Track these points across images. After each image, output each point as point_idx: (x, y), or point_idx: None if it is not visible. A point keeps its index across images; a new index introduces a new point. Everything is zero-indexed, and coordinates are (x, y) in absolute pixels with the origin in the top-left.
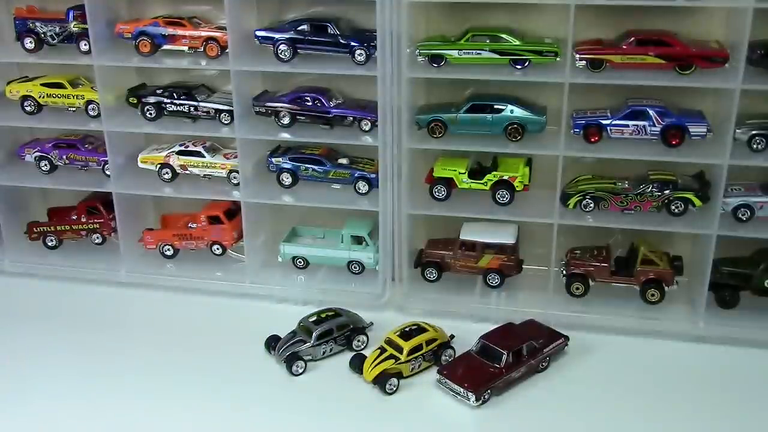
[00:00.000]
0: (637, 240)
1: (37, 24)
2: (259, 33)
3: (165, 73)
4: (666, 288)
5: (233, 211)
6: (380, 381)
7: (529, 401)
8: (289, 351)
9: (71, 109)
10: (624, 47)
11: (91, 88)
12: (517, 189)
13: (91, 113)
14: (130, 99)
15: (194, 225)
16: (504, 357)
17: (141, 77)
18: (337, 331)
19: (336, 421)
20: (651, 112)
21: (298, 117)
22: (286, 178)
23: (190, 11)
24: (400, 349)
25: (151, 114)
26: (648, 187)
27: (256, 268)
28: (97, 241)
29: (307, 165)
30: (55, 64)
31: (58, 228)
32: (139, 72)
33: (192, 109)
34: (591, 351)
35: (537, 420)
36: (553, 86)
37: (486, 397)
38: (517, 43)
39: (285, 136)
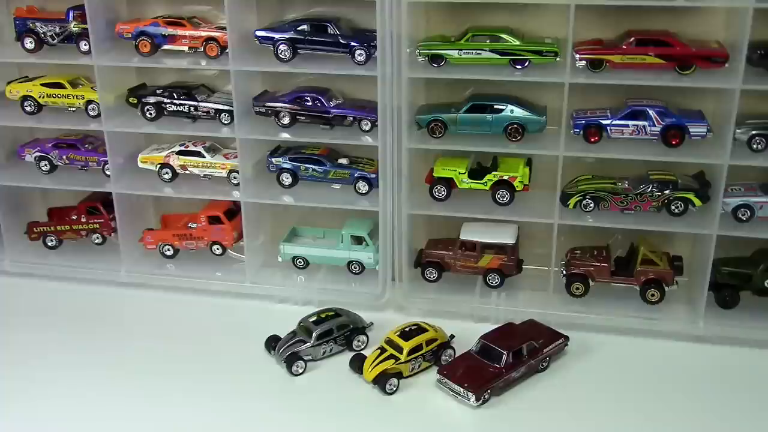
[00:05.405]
0: (637, 240)
1: (37, 24)
2: (259, 33)
3: (165, 73)
4: (666, 288)
5: (233, 211)
6: (380, 381)
7: (529, 401)
8: (289, 351)
9: (71, 109)
10: (624, 47)
11: (91, 88)
12: (517, 189)
13: (91, 113)
14: (130, 99)
15: (194, 225)
16: (504, 357)
17: (141, 77)
18: (337, 331)
19: (336, 421)
20: (651, 112)
21: (298, 117)
22: (286, 178)
23: (190, 11)
24: (400, 349)
25: (151, 114)
26: (648, 187)
27: (256, 268)
28: (97, 241)
29: (307, 165)
30: (55, 64)
31: (58, 228)
32: (139, 72)
33: (192, 109)
34: (591, 351)
35: (537, 420)
36: (553, 86)
37: (486, 397)
38: (517, 43)
39: (285, 136)
